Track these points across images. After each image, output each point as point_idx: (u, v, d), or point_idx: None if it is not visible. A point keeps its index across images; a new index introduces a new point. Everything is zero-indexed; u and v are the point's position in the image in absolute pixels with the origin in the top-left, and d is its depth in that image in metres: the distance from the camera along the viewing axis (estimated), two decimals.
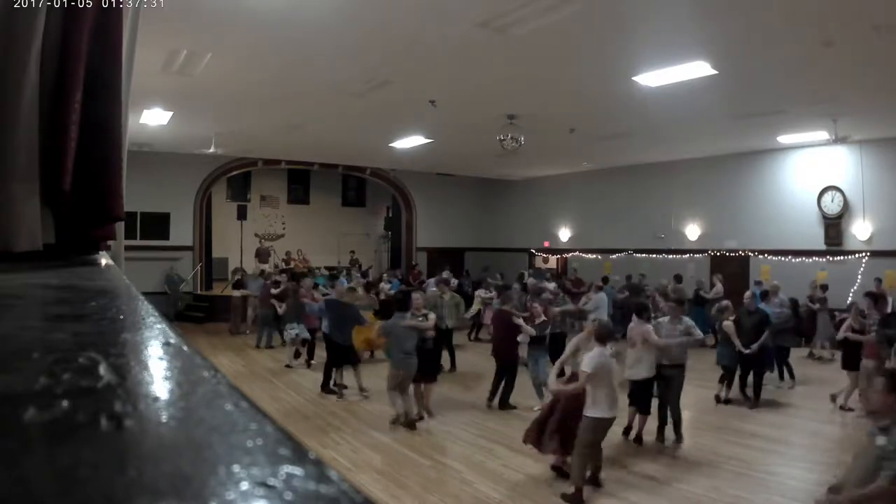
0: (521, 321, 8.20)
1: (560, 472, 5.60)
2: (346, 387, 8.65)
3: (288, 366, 10.45)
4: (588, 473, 5.37)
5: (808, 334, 11.36)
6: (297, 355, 10.72)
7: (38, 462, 0.26)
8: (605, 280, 13.82)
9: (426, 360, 7.39)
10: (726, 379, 8.22)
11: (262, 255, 18.98)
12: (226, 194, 20.32)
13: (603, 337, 5.59)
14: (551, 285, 11.85)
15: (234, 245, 18.59)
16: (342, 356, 8.59)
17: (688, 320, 6.99)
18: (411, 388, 7.34)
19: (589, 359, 5.48)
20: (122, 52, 1.68)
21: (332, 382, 8.70)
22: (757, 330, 8.07)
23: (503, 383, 8.06)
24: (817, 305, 11.42)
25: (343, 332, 8.57)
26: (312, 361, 10.55)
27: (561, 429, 5.51)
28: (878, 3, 5.55)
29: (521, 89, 8.78)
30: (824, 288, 11.70)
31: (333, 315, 8.72)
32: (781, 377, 9.27)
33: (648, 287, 13.44)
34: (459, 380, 9.69)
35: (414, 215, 19.81)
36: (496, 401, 8.05)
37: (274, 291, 11.96)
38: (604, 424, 5.37)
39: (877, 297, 8.87)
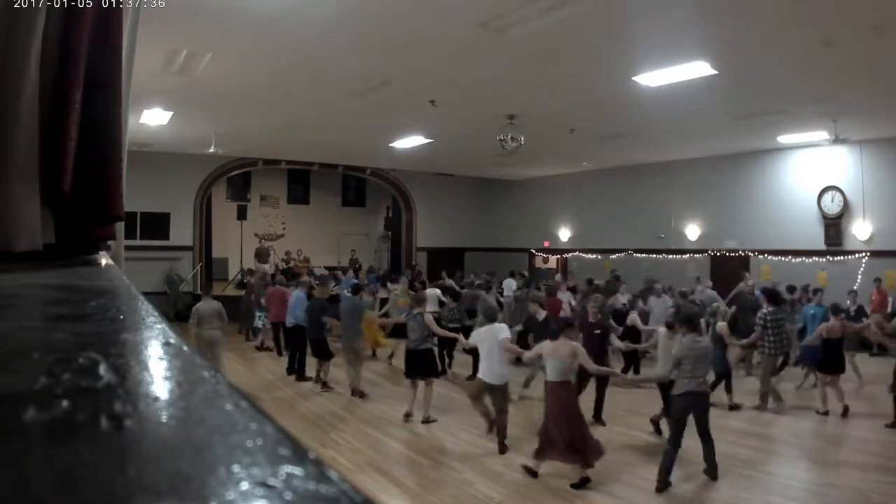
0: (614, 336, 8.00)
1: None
2: (311, 379, 9.28)
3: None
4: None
5: None
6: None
7: (38, 462, 0.26)
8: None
9: (412, 359, 7.55)
10: (725, 385, 7.88)
11: (261, 255, 18.96)
12: (226, 194, 20.30)
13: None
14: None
15: (234, 245, 18.57)
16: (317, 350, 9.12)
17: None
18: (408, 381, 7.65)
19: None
20: (122, 52, 1.68)
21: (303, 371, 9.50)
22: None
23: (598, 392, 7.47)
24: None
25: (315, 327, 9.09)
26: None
27: (563, 437, 5.46)
28: (878, 3, 5.55)
29: (521, 89, 8.77)
30: (791, 289, 11.13)
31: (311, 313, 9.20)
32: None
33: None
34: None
35: (414, 215, 19.80)
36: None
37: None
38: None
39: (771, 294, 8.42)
